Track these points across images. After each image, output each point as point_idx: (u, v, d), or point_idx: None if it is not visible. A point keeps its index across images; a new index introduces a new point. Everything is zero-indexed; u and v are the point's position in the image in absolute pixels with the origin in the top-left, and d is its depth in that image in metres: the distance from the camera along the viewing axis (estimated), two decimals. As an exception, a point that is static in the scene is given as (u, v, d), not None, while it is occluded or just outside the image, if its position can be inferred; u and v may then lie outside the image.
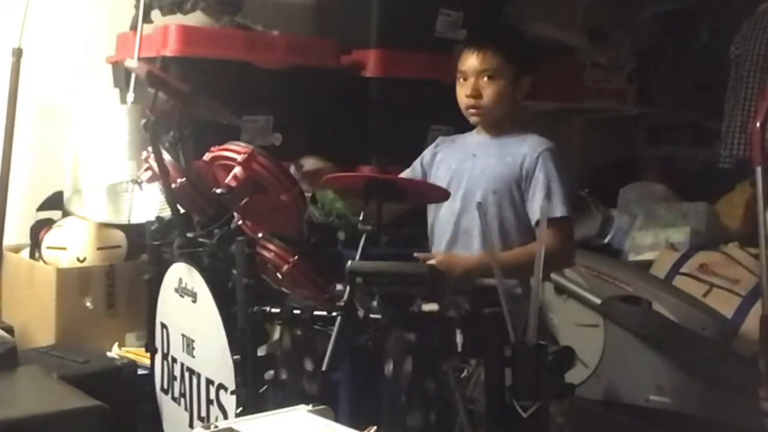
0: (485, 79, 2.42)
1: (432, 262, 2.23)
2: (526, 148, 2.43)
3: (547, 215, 2.26)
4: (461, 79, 2.46)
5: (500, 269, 1.96)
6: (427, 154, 2.62)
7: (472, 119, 2.49)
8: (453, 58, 2.57)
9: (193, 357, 2.37)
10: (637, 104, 4.76)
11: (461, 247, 2.44)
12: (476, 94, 2.43)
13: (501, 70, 2.41)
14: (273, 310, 2.11)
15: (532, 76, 2.47)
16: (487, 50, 2.42)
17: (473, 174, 2.47)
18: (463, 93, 2.45)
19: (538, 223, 2.34)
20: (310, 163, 2.52)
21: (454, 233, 2.47)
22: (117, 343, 2.96)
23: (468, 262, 2.33)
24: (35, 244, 3.07)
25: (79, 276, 2.93)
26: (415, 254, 2.29)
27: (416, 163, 2.62)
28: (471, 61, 2.44)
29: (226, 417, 2.19)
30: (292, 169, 2.46)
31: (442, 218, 2.51)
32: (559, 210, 2.35)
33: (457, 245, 2.46)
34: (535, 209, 2.38)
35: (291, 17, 3.74)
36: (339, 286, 2.02)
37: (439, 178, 2.53)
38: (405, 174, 2.61)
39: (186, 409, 2.42)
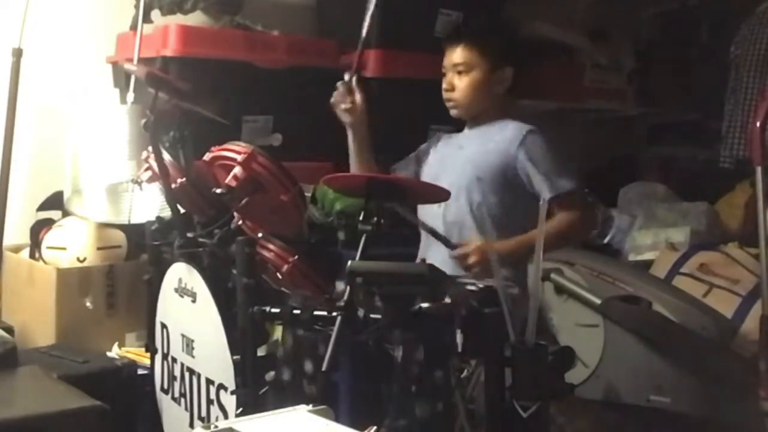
0: (458, 73, 2.50)
1: (466, 249, 2.27)
2: (508, 133, 2.46)
3: (556, 191, 2.30)
4: (444, 75, 2.55)
5: (498, 266, 1.97)
6: (422, 147, 2.69)
7: (450, 112, 2.57)
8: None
9: (193, 357, 2.37)
10: (637, 104, 4.75)
11: (454, 237, 2.45)
12: (449, 88, 2.53)
13: (472, 64, 2.49)
14: (273, 310, 2.11)
15: (513, 68, 2.50)
16: (458, 45, 2.51)
17: (457, 164, 2.51)
18: (442, 87, 2.54)
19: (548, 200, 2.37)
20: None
21: (443, 225, 2.49)
22: (117, 343, 2.96)
23: (504, 247, 2.34)
24: (35, 244, 3.07)
25: (79, 276, 2.94)
26: (453, 246, 2.32)
27: (411, 156, 2.68)
28: (447, 56, 2.54)
29: (226, 417, 2.19)
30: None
31: (430, 211, 2.53)
32: (564, 184, 2.37)
33: (449, 236, 2.46)
34: (540, 188, 2.40)
35: (291, 17, 3.74)
36: (339, 284, 2.02)
37: (427, 171, 2.59)
38: (398, 166, 2.66)
39: (186, 409, 2.42)
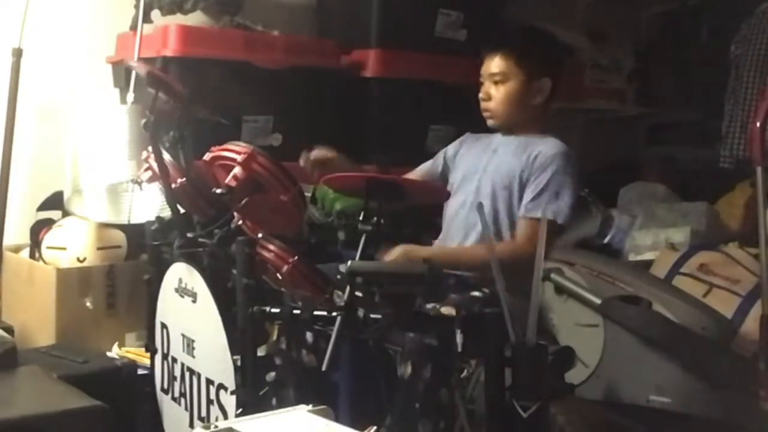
0: (495, 83, 2.46)
1: (392, 256, 2.27)
2: (542, 147, 2.43)
3: (550, 216, 2.27)
4: (481, 83, 2.52)
5: (498, 265, 1.96)
6: (450, 148, 2.65)
7: (487, 122, 2.53)
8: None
9: (193, 357, 2.37)
10: (637, 104, 4.76)
11: (472, 241, 2.44)
12: (486, 98, 2.50)
13: (509, 74, 2.45)
14: (273, 310, 2.11)
15: (551, 78, 2.47)
16: (496, 55, 2.47)
17: (488, 169, 2.49)
18: (479, 96, 2.50)
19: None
20: (317, 152, 2.53)
21: (465, 227, 2.48)
22: (117, 343, 2.96)
23: (424, 252, 2.34)
24: (35, 244, 3.07)
25: (79, 276, 2.94)
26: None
27: (438, 156, 2.65)
28: (485, 65, 2.50)
29: (226, 417, 2.19)
30: (301, 160, 2.48)
31: (454, 212, 2.53)
32: (561, 217, 2.35)
33: (469, 239, 2.46)
34: (524, 204, 2.39)
35: (291, 17, 3.75)
36: (342, 267, 2.00)
37: (457, 172, 2.56)
38: (424, 166, 2.64)
39: (186, 409, 2.42)
